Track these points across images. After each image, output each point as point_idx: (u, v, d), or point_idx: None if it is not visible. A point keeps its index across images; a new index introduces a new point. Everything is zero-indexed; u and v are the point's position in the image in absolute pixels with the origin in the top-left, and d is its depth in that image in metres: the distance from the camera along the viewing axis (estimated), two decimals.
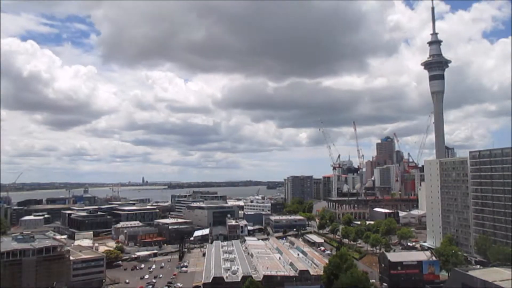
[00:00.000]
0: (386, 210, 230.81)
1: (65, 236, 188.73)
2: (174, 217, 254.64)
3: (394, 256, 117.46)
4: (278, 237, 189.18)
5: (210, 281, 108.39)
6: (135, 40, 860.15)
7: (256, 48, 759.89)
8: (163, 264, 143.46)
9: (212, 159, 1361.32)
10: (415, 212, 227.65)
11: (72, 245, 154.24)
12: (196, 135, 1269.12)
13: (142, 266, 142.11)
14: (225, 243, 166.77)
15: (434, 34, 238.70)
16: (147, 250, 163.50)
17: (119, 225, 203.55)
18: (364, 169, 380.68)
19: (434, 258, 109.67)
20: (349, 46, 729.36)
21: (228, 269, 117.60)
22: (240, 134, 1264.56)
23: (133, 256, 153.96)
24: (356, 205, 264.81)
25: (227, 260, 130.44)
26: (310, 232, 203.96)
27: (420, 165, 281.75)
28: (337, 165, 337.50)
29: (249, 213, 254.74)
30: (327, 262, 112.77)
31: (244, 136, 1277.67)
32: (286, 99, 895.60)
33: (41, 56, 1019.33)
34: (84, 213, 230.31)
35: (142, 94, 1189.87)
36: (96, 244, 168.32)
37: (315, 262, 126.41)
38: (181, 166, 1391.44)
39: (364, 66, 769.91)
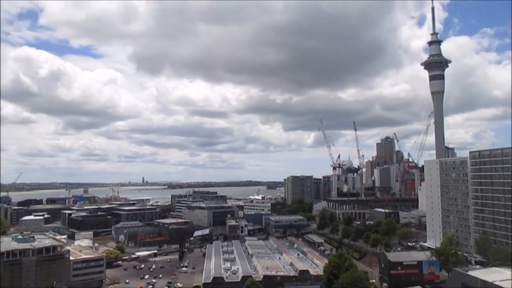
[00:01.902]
0: (386, 210, 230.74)
1: (65, 236, 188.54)
2: (174, 217, 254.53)
3: (394, 256, 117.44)
4: (278, 237, 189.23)
5: (210, 281, 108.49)
6: (165, 53, 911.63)
7: (278, 65, 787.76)
8: (163, 265, 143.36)
9: (215, 160, 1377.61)
10: (415, 212, 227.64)
11: (72, 245, 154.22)
12: (203, 137, 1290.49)
13: (142, 266, 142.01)
14: (225, 243, 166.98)
15: (434, 34, 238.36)
16: (147, 250, 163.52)
17: (119, 225, 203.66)
18: (364, 169, 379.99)
19: (434, 258, 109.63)
20: (365, 62, 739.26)
21: (228, 269, 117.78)
22: (246, 136, 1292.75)
23: (133, 256, 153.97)
24: (356, 205, 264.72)
25: (227, 260, 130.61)
26: (310, 232, 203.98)
27: (420, 165, 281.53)
28: (337, 165, 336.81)
29: (249, 213, 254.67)
30: (327, 262, 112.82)
31: (250, 138, 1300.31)
32: (298, 106, 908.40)
33: (66, 63, 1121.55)
34: (84, 213, 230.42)
35: (157, 98, 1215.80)
36: (96, 244, 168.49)
37: (315, 262, 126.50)
38: (183, 166, 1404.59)
39: (377, 78, 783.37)
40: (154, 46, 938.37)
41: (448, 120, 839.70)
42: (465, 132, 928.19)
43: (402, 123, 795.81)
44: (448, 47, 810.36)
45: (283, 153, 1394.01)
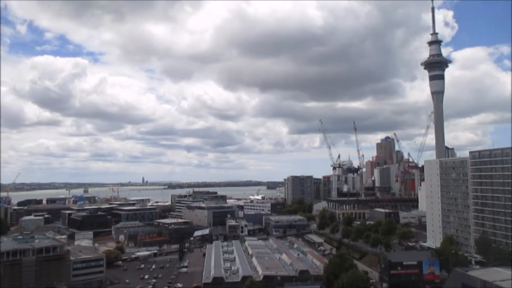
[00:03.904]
0: (386, 210, 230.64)
1: (65, 236, 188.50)
2: (174, 217, 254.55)
3: (394, 256, 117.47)
4: (278, 237, 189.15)
5: (210, 281, 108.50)
6: (191, 67, 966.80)
7: (296, 78, 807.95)
8: (162, 265, 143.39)
9: (220, 161, 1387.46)
10: (415, 212, 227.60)
11: (72, 245, 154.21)
12: (212, 138, 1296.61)
13: (142, 266, 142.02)
14: (225, 243, 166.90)
15: (434, 34, 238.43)
16: (147, 250, 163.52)
17: (119, 225, 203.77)
18: (364, 169, 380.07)
19: (434, 258, 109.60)
20: (384, 76, 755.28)
21: (228, 269, 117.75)
22: (253, 138, 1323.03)
23: (133, 256, 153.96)
24: (356, 205, 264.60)
25: (227, 260, 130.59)
26: (310, 232, 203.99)
27: (420, 165, 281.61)
28: (337, 165, 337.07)
29: (249, 213, 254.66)
30: (327, 262, 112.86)
31: (257, 140, 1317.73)
32: (309, 112, 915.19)
33: (86, 68, 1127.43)
34: (84, 213, 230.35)
35: (171, 101, 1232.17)
36: (96, 244, 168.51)
37: (315, 262, 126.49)
38: (186, 167, 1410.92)
39: (393, 87, 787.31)
40: (181, 61, 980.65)
41: (459, 122, 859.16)
42: (474, 134, 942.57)
43: (409, 126, 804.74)
44: (463, 56, 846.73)
45: (284, 153, 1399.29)
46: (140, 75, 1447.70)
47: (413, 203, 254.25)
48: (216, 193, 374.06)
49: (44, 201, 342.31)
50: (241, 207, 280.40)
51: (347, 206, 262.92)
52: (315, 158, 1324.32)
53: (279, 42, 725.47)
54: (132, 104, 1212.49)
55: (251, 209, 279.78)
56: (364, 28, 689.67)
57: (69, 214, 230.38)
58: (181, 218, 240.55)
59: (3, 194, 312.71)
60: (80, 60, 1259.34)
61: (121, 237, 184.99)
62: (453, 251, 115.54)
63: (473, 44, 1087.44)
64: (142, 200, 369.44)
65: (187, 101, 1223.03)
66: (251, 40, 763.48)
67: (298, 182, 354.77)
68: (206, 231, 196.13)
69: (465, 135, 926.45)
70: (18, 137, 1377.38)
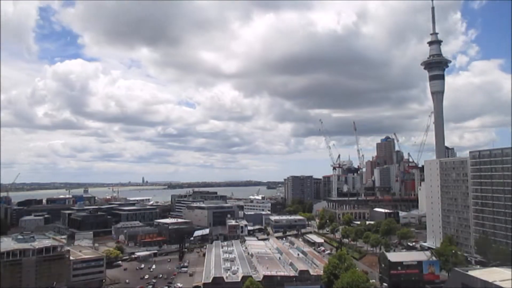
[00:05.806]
0: (386, 210, 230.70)
1: (65, 236, 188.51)
2: (174, 217, 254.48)
3: (394, 256, 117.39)
4: (278, 237, 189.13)
5: (210, 281, 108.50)
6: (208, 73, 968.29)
7: (313, 88, 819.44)
8: (162, 265, 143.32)
9: (226, 161, 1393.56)
10: (415, 212, 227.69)
11: (72, 245, 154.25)
12: (219, 139, 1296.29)
13: (142, 266, 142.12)
14: (225, 243, 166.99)
15: (434, 34, 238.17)
16: (147, 250, 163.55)
17: (119, 225, 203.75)
18: (364, 169, 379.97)
19: (434, 258, 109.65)
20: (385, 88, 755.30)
21: (228, 269, 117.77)
22: (256, 139, 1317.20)
23: (133, 256, 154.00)
24: (356, 205, 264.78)
25: (227, 260, 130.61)
26: (310, 232, 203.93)
27: (420, 165, 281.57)
28: (337, 165, 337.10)
29: (249, 213, 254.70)
30: (327, 262, 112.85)
31: (260, 141, 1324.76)
32: (316, 117, 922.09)
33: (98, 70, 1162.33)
34: (84, 213, 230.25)
35: (181, 102, 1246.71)
36: (96, 244, 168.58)
37: (315, 262, 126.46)
38: (188, 167, 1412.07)
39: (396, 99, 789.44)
40: (207, 76, 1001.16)
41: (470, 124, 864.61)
42: (482, 136, 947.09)
43: (416, 129, 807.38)
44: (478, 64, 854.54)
45: (286, 154, 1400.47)
46: (152, 80, 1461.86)
47: (413, 203, 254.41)
48: (216, 193, 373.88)
49: (44, 201, 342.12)
50: (241, 207, 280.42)
51: (347, 206, 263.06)
52: (317, 158, 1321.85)
53: (305, 62, 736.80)
54: (145, 106, 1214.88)
55: (251, 209, 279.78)
56: (388, 46, 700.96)
57: (69, 214, 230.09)
58: (181, 218, 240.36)
59: (3, 194, 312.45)
60: (95, 63, 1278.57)
61: (121, 237, 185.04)
62: (453, 251, 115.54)
63: (488, 56, 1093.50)
64: (142, 200, 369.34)
65: (201, 104, 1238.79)
66: (278, 61, 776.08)
67: (298, 182, 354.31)
68: (206, 231, 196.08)
69: (475, 136, 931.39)
70: (28, 137, 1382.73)
